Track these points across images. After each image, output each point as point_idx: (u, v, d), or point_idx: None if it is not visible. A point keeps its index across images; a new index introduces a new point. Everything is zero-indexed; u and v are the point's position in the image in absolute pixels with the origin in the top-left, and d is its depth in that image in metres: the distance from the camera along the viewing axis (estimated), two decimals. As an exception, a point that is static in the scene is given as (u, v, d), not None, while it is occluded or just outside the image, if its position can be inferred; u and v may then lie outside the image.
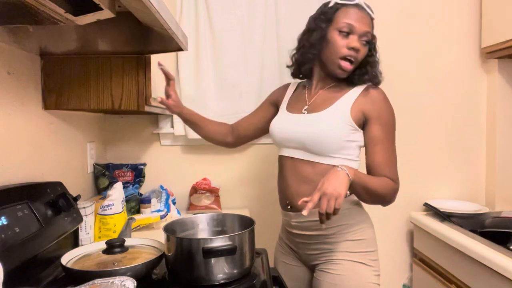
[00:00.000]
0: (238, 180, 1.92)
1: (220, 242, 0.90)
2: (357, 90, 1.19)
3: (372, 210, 1.23)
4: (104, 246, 1.00)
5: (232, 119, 1.51)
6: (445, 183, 1.98)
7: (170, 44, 1.13)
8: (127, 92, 1.26)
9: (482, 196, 1.99)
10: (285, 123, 1.24)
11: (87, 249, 1.03)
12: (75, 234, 1.21)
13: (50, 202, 1.06)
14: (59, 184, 1.16)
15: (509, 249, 1.37)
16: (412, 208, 1.95)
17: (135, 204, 1.64)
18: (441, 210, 1.78)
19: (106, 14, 0.77)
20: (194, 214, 1.16)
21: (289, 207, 1.23)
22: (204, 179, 1.87)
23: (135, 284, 0.72)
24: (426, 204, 1.88)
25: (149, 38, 1.09)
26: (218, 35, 1.80)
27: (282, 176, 1.26)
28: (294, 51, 1.29)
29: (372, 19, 1.18)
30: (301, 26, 1.28)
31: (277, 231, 1.39)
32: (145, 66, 1.26)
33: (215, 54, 1.82)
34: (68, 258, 0.96)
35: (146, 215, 1.51)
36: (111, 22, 0.83)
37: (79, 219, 1.18)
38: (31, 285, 0.90)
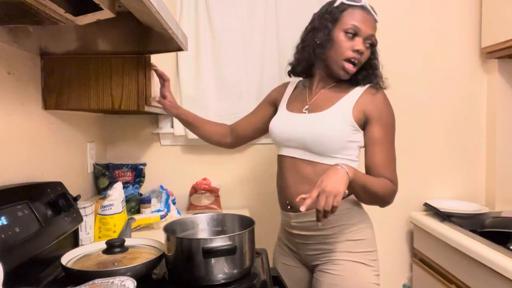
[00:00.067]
0: (238, 180, 1.92)
1: (220, 242, 0.90)
2: (359, 91, 1.19)
3: (372, 210, 1.23)
4: (104, 246, 1.00)
5: (232, 119, 1.51)
6: (445, 183, 1.98)
7: (170, 44, 1.13)
8: (127, 92, 1.26)
9: (482, 196, 1.99)
10: (285, 123, 1.24)
11: (87, 249, 1.03)
12: (75, 234, 1.21)
13: (50, 202, 1.05)
14: (59, 184, 1.16)
15: (509, 249, 1.37)
16: (412, 208, 1.95)
17: (135, 204, 1.64)
18: (441, 210, 1.78)
19: (106, 14, 0.77)
20: (194, 214, 1.16)
21: (289, 207, 1.22)
22: (204, 179, 1.87)
23: (135, 284, 0.72)
24: (426, 204, 1.88)
25: (149, 38, 1.09)
26: (218, 35, 1.80)
27: (281, 176, 1.25)
28: (298, 48, 1.27)
29: (376, 21, 1.18)
30: (301, 26, 1.28)
31: (277, 231, 1.39)
32: (145, 66, 1.26)
33: (215, 54, 1.82)
34: (68, 258, 0.96)
35: (146, 215, 1.51)
36: (111, 22, 0.83)
37: (79, 219, 1.18)
38: (31, 285, 0.90)
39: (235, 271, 0.93)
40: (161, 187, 1.72)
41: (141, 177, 1.81)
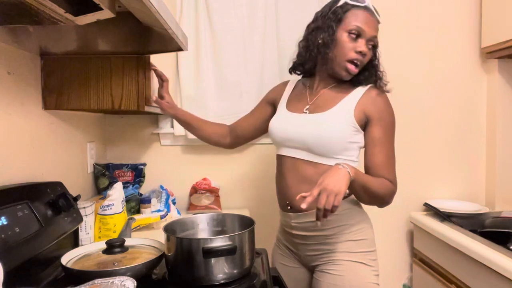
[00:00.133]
0: (238, 180, 1.92)
1: (220, 242, 0.90)
2: (360, 91, 1.19)
3: (372, 210, 1.23)
4: (104, 246, 1.00)
5: (232, 119, 1.51)
6: (445, 183, 1.98)
7: (170, 44, 1.13)
8: (127, 92, 1.26)
9: (482, 196, 1.99)
10: (285, 123, 1.23)
11: (87, 249, 1.03)
12: (75, 234, 1.21)
13: (50, 202, 1.05)
14: (59, 184, 1.16)
15: (509, 249, 1.37)
16: (412, 208, 1.95)
17: (135, 204, 1.64)
18: (441, 210, 1.78)
19: (106, 14, 0.77)
20: (194, 214, 1.16)
21: (289, 207, 1.22)
22: (204, 179, 1.87)
23: (135, 284, 0.72)
24: (426, 204, 1.88)
25: (149, 38, 1.09)
26: (218, 35, 1.80)
27: (281, 176, 1.25)
28: (301, 46, 1.26)
29: (379, 22, 1.18)
30: (301, 26, 1.28)
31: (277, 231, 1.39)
32: (145, 66, 1.26)
33: (215, 54, 1.82)
34: (68, 258, 0.96)
35: (146, 215, 1.51)
36: (111, 22, 0.83)
37: (79, 219, 1.18)
38: (31, 285, 0.90)
39: (235, 271, 0.93)
40: (161, 187, 1.72)
41: (141, 177, 1.81)
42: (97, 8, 0.74)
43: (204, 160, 1.90)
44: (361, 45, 1.14)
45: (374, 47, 1.19)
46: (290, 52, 1.32)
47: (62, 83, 1.25)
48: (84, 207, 1.25)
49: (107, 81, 1.25)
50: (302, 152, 1.18)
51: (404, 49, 1.94)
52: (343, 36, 1.15)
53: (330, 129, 1.13)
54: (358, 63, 1.16)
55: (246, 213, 1.70)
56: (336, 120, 1.15)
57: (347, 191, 1.01)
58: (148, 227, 1.48)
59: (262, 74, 1.84)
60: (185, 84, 1.82)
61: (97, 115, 1.74)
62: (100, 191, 1.69)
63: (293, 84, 1.35)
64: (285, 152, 1.23)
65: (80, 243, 1.23)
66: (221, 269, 0.91)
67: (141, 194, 1.73)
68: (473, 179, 1.98)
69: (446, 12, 1.94)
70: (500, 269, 1.27)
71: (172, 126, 1.86)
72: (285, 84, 1.38)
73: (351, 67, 1.16)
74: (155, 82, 1.38)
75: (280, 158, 1.26)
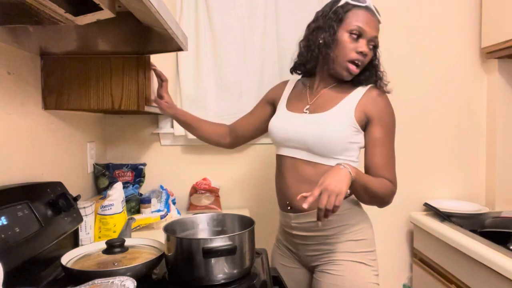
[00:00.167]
0: (238, 180, 1.92)
1: (220, 242, 0.90)
2: (360, 91, 1.19)
3: (372, 210, 1.23)
4: (104, 246, 1.00)
5: (232, 119, 1.51)
6: (445, 183, 1.98)
7: (170, 44, 1.13)
8: (127, 92, 1.26)
9: (482, 196, 1.99)
10: (285, 123, 1.23)
11: (87, 249, 1.03)
12: (75, 234, 1.21)
13: (50, 202, 1.05)
14: (59, 184, 1.16)
15: (509, 249, 1.37)
16: (412, 208, 1.95)
17: (135, 204, 1.64)
18: (441, 210, 1.78)
19: (106, 14, 0.77)
20: (194, 214, 1.16)
21: (289, 208, 1.22)
22: (204, 179, 1.87)
23: (135, 284, 0.72)
24: (426, 204, 1.88)
25: (149, 38, 1.09)
26: (218, 35, 1.80)
27: (281, 176, 1.24)
28: (301, 46, 1.26)
29: (379, 22, 1.18)
30: (301, 26, 1.28)
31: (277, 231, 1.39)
32: (145, 66, 1.26)
33: (215, 54, 1.82)
34: (68, 258, 0.96)
35: (146, 215, 1.51)
36: (111, 22, 0.83)
37: (79, 219, 1.18)
38: (31, 285, 0.90)
39: (235, 271, 0.93)
40: (161, 187, 1.72)
41: (141, 177, 1.81)
42: (97, 8, 0.74)
43: (204, 160, 1.90)
44: (362, 45, 1.14)
45: (375, 47, 1.19)
46: (290, 52, 1.32)
47: (62, 83, 1.25)
48: (84, 207, 1.25)
49: (107, 81, 1.25)
50: (302, 152, 1.18)
51: (404, 49, 1.94)
52: (344, 36, 1.14)
53: (330, 129, 1.13)
54: (359, 63, 1.16)
55: (246, 213, 1.70)
56: (337, 121, 1.15)
57: (348, 191, 1.01)
58: (148, 227, 1.48)
59: (262, 74, 1.84)
60: (185, 84, 1.82)
61: (97, 115, 1.74)
62: (100, 191, 1.69)
63: (293, 84, 1.35)
64: (285, 152, 1.23)
65: (80, 243, 1.23)
66: (221, 269, 0.91)
67: (141, 194, 1.73)
68: (473, 179, 1.98)
69: (446, 12, 1.94)
70: (500, 269, 1.28)
71: (172, 126, 1.86)
72: (285, 83, 1.37)
73: (352, 67, 1.16)
74: (155, 82, 1.38)
75: (280, 158, 1.26)
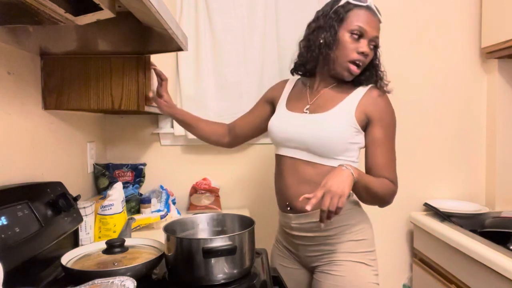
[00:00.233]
0: (238, 180, 1.92)
1: (220, 242, 0.90)
2: (361, 91, 1.18)
3: (372, 210, 1.23)
4: (104, 246, 1.00)
5: (232, 119, 1.51)
6: (445, 183, 1.98)
7: (170, 44, 1.13)
8: (127, 92, 1.26)
9: (482, 196, 1.99)
10: (285, 122, 1.23)
11: (87, 249, 1.03)
12: (75, 234, 1.21)
13: (50, 202, 1.05)
14: (59, 184, 1.16)
15: (509, 249, 1.37)
16: (412, 208, 1.95)
17: (135, 204, 1.64)
18: (441, 210, 1.78)
19: (106, 14, 0.77)
20: (194, 214, 1.16)
21: (288, 208, 1.21)
22: (204, 179, 1.87)
23: (135, 284, 0.72)
24: (426, 204, 1.88)
25: (149, 38, 1.09)
26: (218, 35, 1.80)
27: (281, 177, 1.24)
28: (302, 46, 1.25)
29: (380, 22, 1.17)
30: (301, 26, 1.28)
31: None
32: (145, 66, 1.26)
33: (215, 54, 1.82)
34: (68, 258, 0.96)
35: (146, 215, 1.51)
36: (111, 22, 0.83)
37: (79, 219, 1.18)
38: (31, 285, 0.90)
39: (235, 271, 0.93)
40: (161, 187, 1.72)
41: (141, 177, 1.81)
42: (97, 8, 0.74)
43: (204, 160, 1.90)
44: (363, 45, 1.14)
45: (376, 47, 1.18)
46: (290, 52, 1.31)
47: (62, 83, 1.25)
48: (84, 207, 1.25)
49: (107, 81, 1.25)
50: (302, 153, 1.17)
51: (404, 49, 1.94)
52: (345, 36, 1.14)
53: (330, 130, 1.13)
54: (360, 63, 1.15)
55: (246, 213, 1.70)
56: (337, 121, 1.14)
57: (351, 192, 1.01)
58: (148, 227, 1.48)
59: (262, 74, 1.84)
60: (185, 84, 1.82)
61: (97, 115, 1.74)
62: (100, 191, 1.69)
63: (293, 83, 1.34)
64: (284, 152, 1.22)
65: (80, 243, 1.23)
66: (221, 269, 0.91)
67: (141, 194, 1.73)
68: (473, 179, 1.99)
69: (446, 12, 1.94)
70: (500, 269, 1.28)
71: (172, 126, 1.86)
72: (284, 82, 1.36)
73: (353, 68, 1.15)
74: (154, 81, 1.38)
75: (279, 158, 1.25)
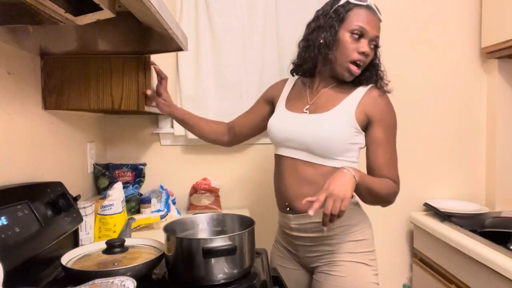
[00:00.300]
0: (238, 180, 1.92)
1: (220, 242, 0.90)
2: (361, 91, 1.18)
3: (372, 210, 1.23)
4: (104, 246, 1.00)
5: (232, 119, 1.51)
6: (445, 183, 1.98)
7: (170, 44, 1.13)
8: (127, 92, 1.26)
9: (482, 196, 1.99)
10: (284, 122, 1.22)
11: (87, 249, 1.03)
12: (75, 234, 1.21)
13: (50, 202, 1.05)
14: (59, 184, 1.16)
15: (509, 249, 1.37)
16: (412, 208, 1.95)
17: (135, 204, 1.64)
18: (441, 210, 1.78)
19: (106, 14, 0.77)
20: (194, 214, 1.16)
21: (288, 209, 1.21)
22: (204, 179, 1.87)
23: (135, 284, 0.72)
24: (426, 204, 1.88)
25: (149, 38, 1.09)
26: (218, 35, 1.80)
27: (280, 177, 1.23)
28: (301, 46, 1.25)
29: (380, 21, 1.17)
30: (301, 26, 1.27)
31: (277, 231, 1.39)
32: (145, 66, 1.26)
33: (215, 54, 1.82)
34: (68, 258, 0.96)
35: (146, 215, 1.51)
36: (111, 22, 0.83)
37: (79, 219, 1.18)
38: (31, 285, 0.90)
39: (235, 271, 0.93)
40: (161, 187, 1.72)
41: (141, 177, 1.81)
42: (97, 8, 0.74)
43: (204, 160, 1.90)
44: (364, 45, 1.13)
45: (376, 46, 1.18)
46: (290, 52, 1.31)
47: (62, 83, 1.25)
48: (84, 207, 1.25)
49: (107, 81, 1.25)
50: (301, 153, 1.17)
51: (404, 49, 1.94)
52: (345, 36, 1.13)
53: (331, 130, 1.13)
54: (361, 63, 1.15)
55: (246, 213, 1.70)
56: (337, 121, 1.14)
57: (354, 194, 1.01)
58: (148, 227, 1.48)
59: (262, 74, 1.84)
60: (185, 84, 1.82)
61: (97, 115, 1.74)
62: (100, 191, 1.69)
63: (292, 82, 1.33)
64: (284, 152, 1.22)
65: (80, 243, 1.23)
66: (221, 269, 0.91)
67: (141, 194, 1.73)
68: (473, 179, 1.99)
69: (446, 12, 1.94)
70: (500, 269, 1.28)
71: (172, 126, 1.86)
72: (284, 81, 1.36)
73: (354, 68, 1.15)
74: (154, 80, 1.38)
75: (279, 158, 1.24)
